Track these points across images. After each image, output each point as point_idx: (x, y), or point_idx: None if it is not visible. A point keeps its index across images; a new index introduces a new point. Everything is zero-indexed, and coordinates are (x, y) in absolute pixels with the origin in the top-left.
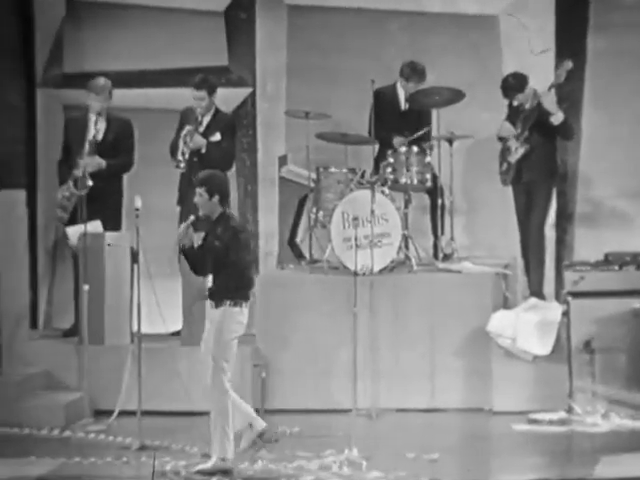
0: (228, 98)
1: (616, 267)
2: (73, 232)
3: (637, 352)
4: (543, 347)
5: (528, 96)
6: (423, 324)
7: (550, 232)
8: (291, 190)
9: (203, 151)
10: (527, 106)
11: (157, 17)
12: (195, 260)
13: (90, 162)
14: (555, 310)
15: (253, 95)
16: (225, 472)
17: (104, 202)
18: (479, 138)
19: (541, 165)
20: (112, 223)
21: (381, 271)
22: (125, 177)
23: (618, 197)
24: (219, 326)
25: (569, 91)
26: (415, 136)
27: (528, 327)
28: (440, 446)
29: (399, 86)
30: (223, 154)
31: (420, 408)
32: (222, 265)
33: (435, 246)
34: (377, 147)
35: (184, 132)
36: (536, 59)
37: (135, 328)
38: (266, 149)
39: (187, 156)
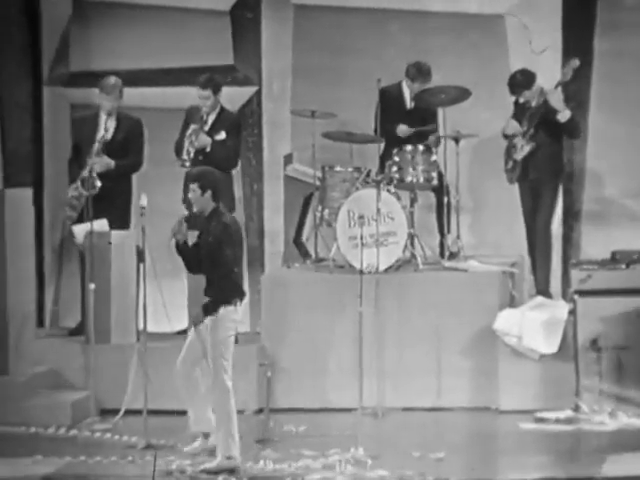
0: (234, 97)
1: (623, 265)
2: (79, 230)
3: None
4: (550, 346)
5: (535, 93)
6: (429, 323)
7: (557, 230)
8: (297, 189)
9: (208, 150)
10: (533, 104)
11: (163, 16)
12: (189, 257)
13: (99, 162)
14: (562, 308)
15: (259, 94)
16: (231, 471)
17: (112, 201)
18: (485, 137)
19: (547, 163)
20: (120, 222)
21: (387, 270)
22: (133, 176)
23: (625, 195)
24: (214, 325)
25: (576, 90)
26: (420, 129)
27: (534, 325)
28: (446, 445)
29: (404, 85)
30: (228, 153)
31: (426, 407)
32: (214, 262)
33: (441, 245)
34: (383, 146)
35: (189, 131)
36: (543, 58)
37: (141, 327)
38: (272, 148)
39: (192, 155)
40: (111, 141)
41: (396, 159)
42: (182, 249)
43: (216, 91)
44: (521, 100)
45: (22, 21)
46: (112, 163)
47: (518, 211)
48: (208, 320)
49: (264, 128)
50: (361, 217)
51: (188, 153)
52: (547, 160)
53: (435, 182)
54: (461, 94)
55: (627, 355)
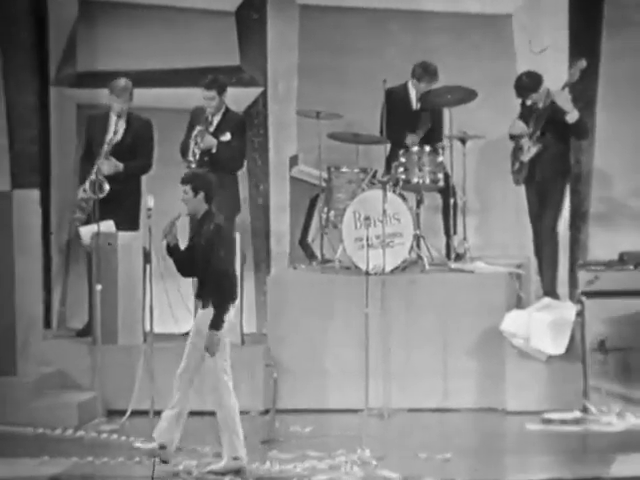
0: (239, 98)
1: (631, 267)
2: (86, 232)
3: None
4: (557, 347)
5: (542, 95)
6: (435, 324)
7: (564, 231)
8: (302, 190)
9: (214, 151)
10: (540, 105)
11: (169, 17)
12: (181, 260)
13: (107, 165)
14: (569, 309)
15: (264, 95)
16: (237, 471)
17: (122, 202)
18: (492, 138)
19: (554, 164)
20: (129, 223)
21: (393, 271)
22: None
23: (633, 196)
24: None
25: (582, 90)
26: (425, 128)
27: (542, 327)
28: (453, 446)
29: (410, 86)
30: (234, 154)
31: (432, 408)
32: (207, 263)
33: (447, 246)
34: (389, 147)
35: (195, 132)
36: (549, 59)
37: (147, 328)
38: (277, 149)
39: (198, 156)
40: (121, 142)
41: (402, 160)
42: (173, 251)
43: (221, 92)
44: (528, 102)
45: (29, 22)
46: (120, 166)
47: (525, 212)
48: (203, 324)
49: (270, 129)
50: (367, 218)
51: (194, 154)
52: (554, 161)
53: (441, 183)
54: (467, 95)
55: (635, 356)
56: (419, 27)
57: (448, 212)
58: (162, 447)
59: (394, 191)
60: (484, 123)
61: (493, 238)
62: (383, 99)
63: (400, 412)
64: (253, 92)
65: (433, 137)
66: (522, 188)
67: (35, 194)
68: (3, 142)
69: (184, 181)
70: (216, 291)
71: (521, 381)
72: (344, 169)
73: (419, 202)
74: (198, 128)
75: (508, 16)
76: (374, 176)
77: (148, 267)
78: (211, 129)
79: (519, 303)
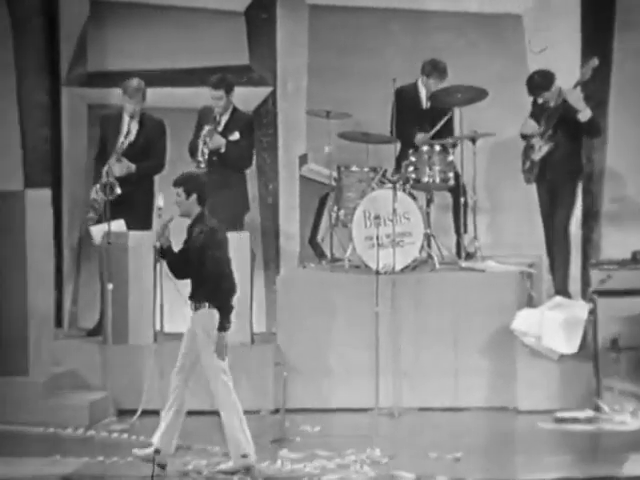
0: (249, 97)
1: None
2: (97, 231)
3: None
4: (569, 346)
5: (554, 94)
6: (446, 323)
7: (576, 230)
8: (312, 189)
9: (222, 150)
10: (552, 104)
11: (179, 17)
12: (174, 262)
13: (119, 167)
14: (581, 308)
15: (274, 94)
16: (247, 469)
17: (134, 202)
18: (502, 137)
19: (565, 163)
20: (141, 223)
21: (403, 270)
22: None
23: None
24: (204, 329)
25: (595, 89)
26: (437, 127)
27: (554, 325)
28: (464, 445)
29: (420, 84)
30: (242, 153)
31: (443, 407)
32: (201, 266)
33: (458, 245)
34: (399, 146)
35: (204, 132)
36: (561, 57)
37: (158, 327)
38: (287, 148)
39: (207, 156)
40: (134, 143)
41: (412, 159)
42: (166, 253)
43: (228, 91)
44: (539, 101)
45: (40, 22)
46: (133, 167)
47: (536, 211)
48: (199, 326)
49: (279, 128)
50: (377, 217)
51: (203, 154)
52: (565, 160)
53: (451, 182)
54: (478, 94)
55: None
56: (425, 26)
57: (459, 211)
58: (157, 451)
59: (404, 190)
60: (494, 122)
61: (504, 237)
62: (393, 98)
63: (410, 411)
64: (262, 91)
65: (444, 135)
66: (533, 187)
67: (47, 193)
68: (16, 141)
69: (176, 183)
70: (216, 293)
71: (533, 380)
72: (354, 168)
73: (429, 201)
74: (207, 128)
75: (519, 16)
76: (384, 175)
77: (159, 266)
78: (219, 129)
79: (530, 302)
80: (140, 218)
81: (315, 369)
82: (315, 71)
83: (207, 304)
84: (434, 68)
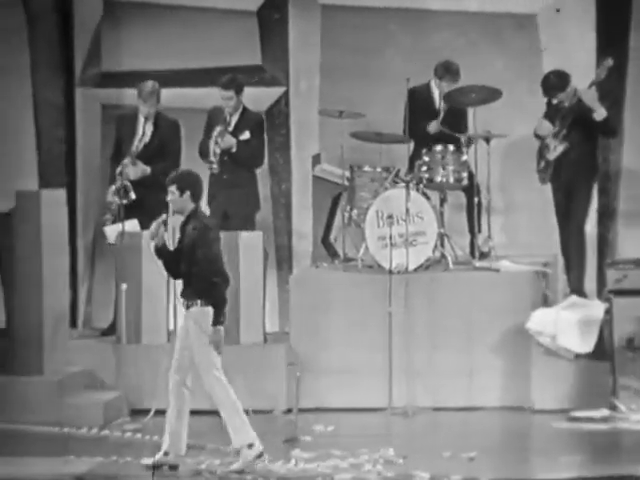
0: (261, 97)
1: None
2: (111, 231)
3: None
4: (585, 345)
5: (569, 94)
6: (460, 322)
7: (592, 230)
8: (325, 189)
9: (234, 150)
10: (567, 104)
11: (191, 17)
12: (169, 261)
13: (133, 170)
14: (597, 308)
15: (286, 94)
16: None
17: (147, 202)
18: (516, 136)
19: (581, 163)
20: None
21: (416, 269)
22: None
23: None
24: (197, 327)
25: (610, 89)
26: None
27: (569, 325)
28: (478, 445)
29: (433, 85)
30: (253, 152)
31: (457, 407)
32: (192, 262)
33: (472, 244)
34: (412, 146)
35: (215, 133)
36: (577, 57)
37: (172, 327)
38: (299, 148)
39: (219, 156)
40: (148, 145)
41: (426, 159)
42: (161, 252)
43: (239, 91)
44: (554, 101)
45: (55, 22)
46: (148, 169)
47: (550, 211)
48: (191, 323)
49: (292, 128)
50: (390, 217)
51: (215, 155)
52: (580, 160)
53: (465, 182)
54: (491, 94)
55: None
56: (444, 26)
57: (472, 211)
58: (166, 454)
59: (417, 189)
60: (508, 122)
61: (518, 237)
62: (406, 98)
63: (425, 411)
64: (275, 91)
65: (459, 129)
66: (547, 187)
67: (62, 194)
68: (31, 142)
69: (169, 181)
70: (209, 290)
71: (548, 379)
72: (367, 168)
73: (442, 200)
74: (218, 128)
75: (534, 16)
76: (397, 175)
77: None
78: (230, 129)
79: (545, 302)
80: (154, 218)
81: (328, 369)
82: (327, 71)
83: (199, 302)
84: (446, 71)
